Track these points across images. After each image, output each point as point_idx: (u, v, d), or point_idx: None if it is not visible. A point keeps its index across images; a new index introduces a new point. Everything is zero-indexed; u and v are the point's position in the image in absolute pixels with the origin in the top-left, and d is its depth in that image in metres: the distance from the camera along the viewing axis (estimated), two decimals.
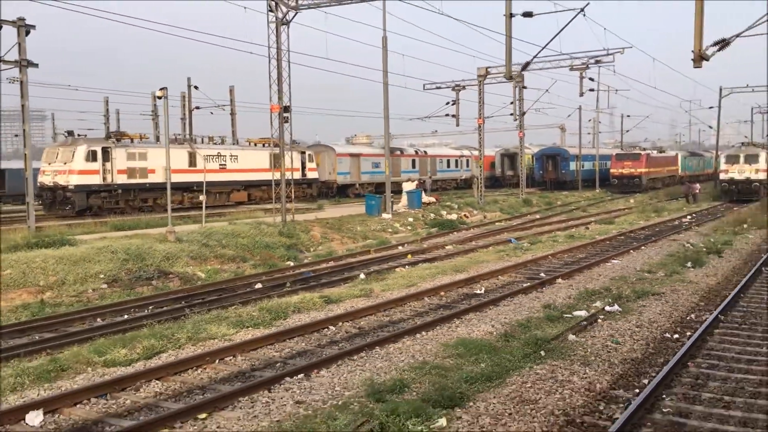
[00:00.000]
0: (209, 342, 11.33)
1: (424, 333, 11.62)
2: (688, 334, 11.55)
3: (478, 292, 15.63)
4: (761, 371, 9.60)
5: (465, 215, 36.41)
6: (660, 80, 51.20)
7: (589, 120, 66.99)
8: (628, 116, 69.58)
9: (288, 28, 25.58)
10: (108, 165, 34.48)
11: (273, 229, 25.04)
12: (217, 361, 10.30)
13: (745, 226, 28.98)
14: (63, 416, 8.22)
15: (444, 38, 50.69)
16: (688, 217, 35.25)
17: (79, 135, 35.37)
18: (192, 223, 27.40)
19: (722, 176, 48.80)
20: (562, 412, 7.92)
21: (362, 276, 18.17)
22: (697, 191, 48.13)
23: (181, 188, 37.88)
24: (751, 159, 47.33)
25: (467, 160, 64.52)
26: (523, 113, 45.89)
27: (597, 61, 39.97)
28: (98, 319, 13.91)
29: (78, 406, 8.54)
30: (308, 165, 46.81)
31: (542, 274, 17.67)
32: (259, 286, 17.26)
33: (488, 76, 43.06)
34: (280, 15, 25.36)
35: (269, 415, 7.98)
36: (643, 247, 22.93)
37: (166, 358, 10.51)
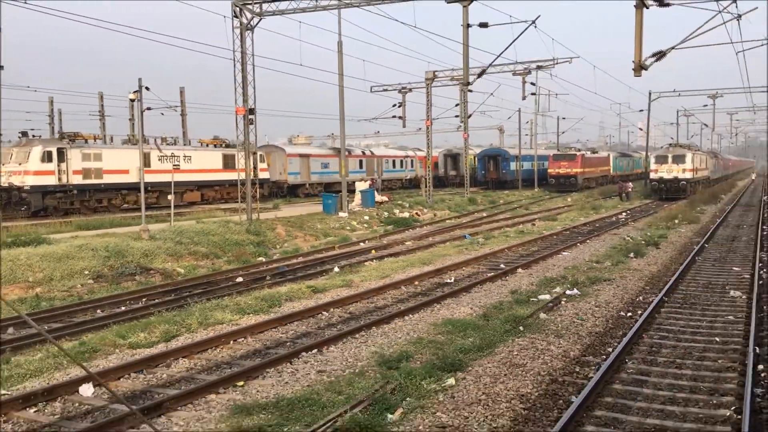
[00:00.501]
0: (218, 326, 12.43)
1: (411, 315, 13.00)
2: (639, 312, 13.26)
3: (449, 281, 17.11)
4: (704, 340, 11.32)
5: (416, 213, 37.97)
6: (600, 86, 53.97)
7: (527, 122, 69.57)
8: (564, 118, 72.50)
9: (252, 33, 26.56)
10: (63, 166, 34.63)
11: (240, 227, 25.99)
12: (231, 342, 11.43)
13: (676, 221, 31.41)
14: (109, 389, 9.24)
15: (395, 43, 51.95)
16: (624, 214, 37.67)
17: (34, 136, 35.40)
18: (155, 222, 28.04)
19: (652, 175, 51.78)
20: (546, 373, 9.42)
21: (336, 269, 19.43)
22: (630, 190, 51.04)
23: (136, 188, 38.22)
24: (679, 159, 50.40)
25: (411, 161, 66.30)
26: (469, 116, 47.80)
27: (538, 67, 42.13)
28: (98, 311, 14.76)
29: (121, 380, 9.58)
30: (260, 165, 47.48)
31: (502, 265, 19.29)
32: (240, 279, 18.31)
33: (435, 80, 44.80)
34: (245, 20, 26.30)
35: (298, 381, 9.21)
36: (588, 241, 24.88)
37: (183, 340, 11.58)
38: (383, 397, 8.13)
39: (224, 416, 7.92)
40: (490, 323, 11.99)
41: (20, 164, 33.62)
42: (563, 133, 76.43)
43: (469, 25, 23.11)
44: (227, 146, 46.55)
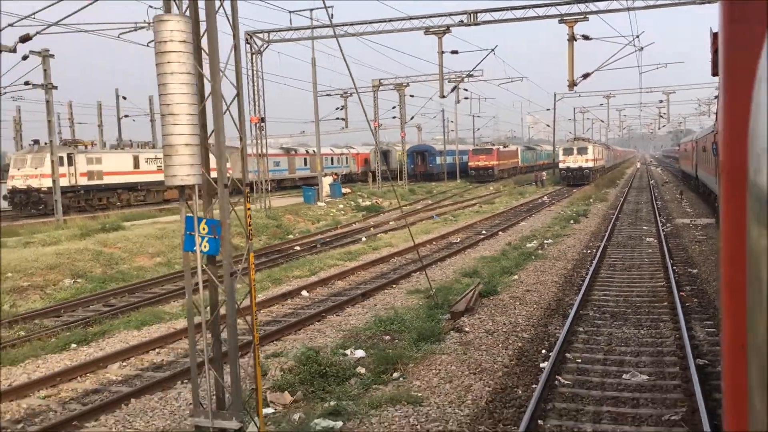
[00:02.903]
0: (334, 268, 18.92)
1: (455, 257, 19.97)
2: (595, 250, 20.74)
3: (455, 241, 24.15)
4: (639, 260, 18.88)
5: (377, 202, 44.83)
6: (517, 88, 62.27)
7: (452, 121, 77.52)
8: (479, 116, 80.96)
9: (261, 56, 32.68)
10: (72, 169, 39.36)
11: (258, 214, 32.07)
12: (355, 273, 18.01)
13: (591, 200, 39.77)
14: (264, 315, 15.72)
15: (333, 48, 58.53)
16: (546, 197, 45.88)
17: (45, 143, 39.82)
18: (170, 215, 33.63)
19: (561, 165, 60.70)
20: (561, 274, 16.65)
21: (363, 239, 26.08)
22: (544, 178, 59.81)
23: (127, 188, 43.35)
24: (582, 151, 59.48)
25: (347, 158, 73.00)
26: (412, 117, 55.12)
27: (469, 75, 49.80)
28: None
29: (318, 289, 16.03)
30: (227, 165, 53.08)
31: (484, 232, 26.52)
32: (298, 248, 24.67)
33: (381, 87, 51.79)
34: (255, 48, 32.40)
35: (424, 285, 15.98)
36: (533, 215, 32.58)
37: (325, 274, 18.02)
38: (489, 282, 15.05)
39: (402, 295, 14.61)
40: (509, 256, 19.14)
41: (36, 168, 38.13)
42: (478, 129, 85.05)
43: (443, 52, 30.14)
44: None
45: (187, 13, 6.07)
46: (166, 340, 11.86)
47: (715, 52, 3.95)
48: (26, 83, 29.20)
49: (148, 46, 22.79)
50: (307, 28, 31.12)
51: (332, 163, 70.69)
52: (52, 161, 30.71)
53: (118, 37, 23.27)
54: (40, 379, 9.74)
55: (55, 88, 30.17)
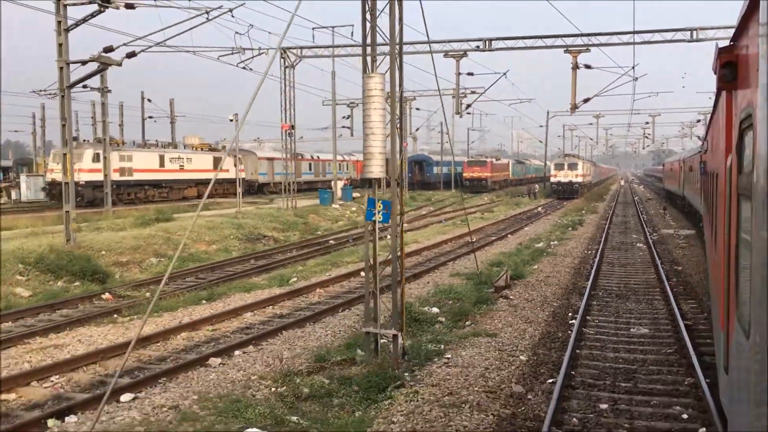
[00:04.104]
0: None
1: (478, 252, 23.46)
2: (595, 250, 24.36)
3: (472, 240, 27.65)
4: (633, 259, 22.52)
5: None
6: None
7: (447, 132, 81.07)
8: (473, 130, 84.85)
9: (293, 69, 36.14)
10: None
11: (285, 212, 35.44)
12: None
13: (583, 212, 43.56)
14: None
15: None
16: (540, 208, 49.65)
17: (84, 140, 42.96)
18: (181, 212, 36.87)
19: (552, 179, 64.60)
20: (571, 266, 20.24)
21: (388, 237, 29.49)
22: (536, 190, 63.66)
23: (153, 185, 46.57)
24: (573, 166, 63.42)
25: (347, 164, 76.46)
26: (417, 129, 58.73)
27: (472, 92, 53.53)
28: (291, 251, 24.22)
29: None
30: (240, 167, 56.45)
31: (494, 235, 30.10)
32: (332, 241, 28.07)
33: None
34: (288, 62, 35.86)
35: (466, 267, 19.47)
36: (533, 223, 36.25)
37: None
38: (515, 270, 18.58)
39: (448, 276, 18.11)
40: (524, 253, 22.72)
41: (75, 164, 41.17)
42: (473, 142, 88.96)
43: (459, 73, 33.76)
44: (211, 149, 55.28)
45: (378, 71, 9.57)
46: (275, 300, 15.27)
47: (721, 66, 4.33)
48: (84, 86, 32.36)
49: (237, 66, 26.30)
50: (342, 46, 34.57)
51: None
52: (105, 158, 33.94)
53: (218, 59, 26.68)
54: (203, 319, 13.13)
55: (110, 91, 33.41)
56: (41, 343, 11.55)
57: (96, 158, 41.74)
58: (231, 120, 32.61)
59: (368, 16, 9.84)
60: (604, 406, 8.59)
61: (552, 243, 25.95)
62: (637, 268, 20.69)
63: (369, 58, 9.79)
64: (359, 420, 7.83)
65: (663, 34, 31.17)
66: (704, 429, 7.82)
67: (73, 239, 21.19)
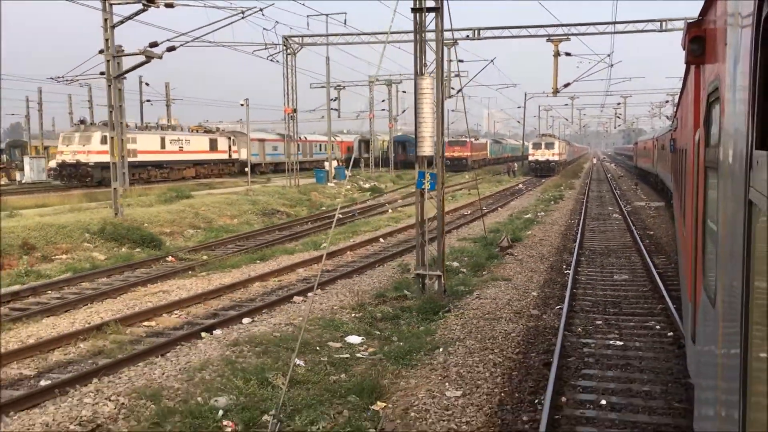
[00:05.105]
0: (387, 228, 25.31)
1: (475, 222, 26.57)
2: (577, 220, 27.56)
3: (466, 213, 30.76)
4: (611, 227, 25.77)
5: (375, 184, 51.24)
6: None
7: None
8: (453, 111, 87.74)
9: (295, 57, 38.75)
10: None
11: (289, 190, 38.21)
12: (403, 232, 24.45)
13: (561, 187, 46.90)
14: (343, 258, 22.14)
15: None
16: (521, 185, 52.94)
17: (91, 123, 45.16)
18: (209, 189, 39.52)
19: (530, 158, 67.94)
20: (559, 232, 23.43)
21: (389, 210, 32.49)
22: (515, 169, 66.97)
23: (155, 165, 48.97)
24: (549, 146, 66.78)
25: (332, 145, 79.04)
26: (404, 111, 61.59)
27: (456, 75, 56.43)
28: (307, 224, 27.06)
29: (371, 244, 22.45)
30: (233, 148, 58.96)
31: (484, 208, 33.17)
32: (339, 216, 30.91)
33: (377, 82, 58.16)
34: (291, 50, 38.45)
35: (471, 232, 22.54)
36: (518, 198, 39.45)
37: (388, 229, 24.41)
38: (513, 234, 21.68)
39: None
40: (516, 222, 25.84)
41: (84, 145, 43.53)
42: (452, 123, 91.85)
43: (450, 60, 36.68)
44: (206, 131, 57.64)
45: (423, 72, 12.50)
46: (317, 260, 18.18)
47: (690, 41, 4.37)
48: (102, 73, 34.67)
49: (267, 59, 28.92)
50: (336, 35, 37.26)
51: (320, 150, 76.75)
52: (122, 140, 36.23)
53: (252, 53, 29.39)
54: (267, 272, 16.04)
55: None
56: (147, 290, 14.40)
57: (104, 140, 43.96)
58: (242, 105, 35.19)
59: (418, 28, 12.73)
60: (599, 322, 11.72)
61: (539, 214, 29.14)
62: (615, 233, 23.93)
63: (419, 63, 12.69)
64: (426, 330, 10.86)
65: (635, 24, 34.37)
66: (672, 333, 10.97)
67: (121, 213, 23.86)
